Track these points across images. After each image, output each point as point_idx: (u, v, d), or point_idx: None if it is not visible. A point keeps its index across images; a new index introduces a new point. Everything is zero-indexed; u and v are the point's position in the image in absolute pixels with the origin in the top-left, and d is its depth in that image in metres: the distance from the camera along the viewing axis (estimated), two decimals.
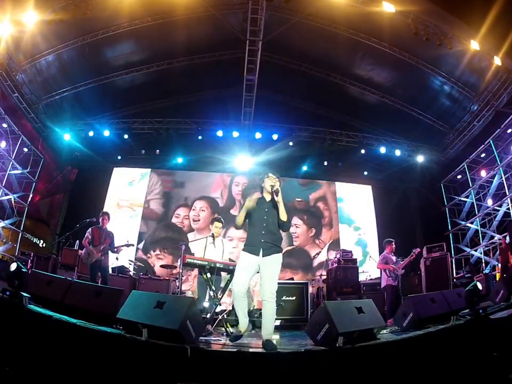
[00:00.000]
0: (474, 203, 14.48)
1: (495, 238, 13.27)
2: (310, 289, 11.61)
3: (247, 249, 5.23)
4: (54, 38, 12.51)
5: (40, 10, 11.10)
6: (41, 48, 12.69)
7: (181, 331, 4.32)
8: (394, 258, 9.68)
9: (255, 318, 9.29)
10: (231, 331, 6.72)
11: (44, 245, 15.83)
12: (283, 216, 5.21)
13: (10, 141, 13.38)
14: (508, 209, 12.87)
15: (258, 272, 5.21)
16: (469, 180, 14.63)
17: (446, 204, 15.88)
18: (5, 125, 13.04)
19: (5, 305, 4.45)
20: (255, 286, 12.34)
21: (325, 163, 16.95)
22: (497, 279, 11.51)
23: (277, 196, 5.16)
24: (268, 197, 5.43)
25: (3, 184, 13.15)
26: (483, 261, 13.69)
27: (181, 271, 8.35)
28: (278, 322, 8.90)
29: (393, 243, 9.92)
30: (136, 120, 15.65)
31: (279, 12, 12.73)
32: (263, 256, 5.11)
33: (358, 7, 11.79)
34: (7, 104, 12.91)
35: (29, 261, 11.74)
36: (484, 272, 12.78)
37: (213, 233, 7.98)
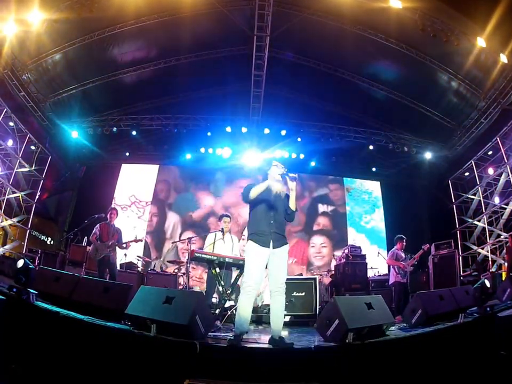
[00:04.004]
0: (482, 201, 14.37)
1: (502, 237, 13.20)
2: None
3: (256, 239, 4.99)
4: (59, 36, 12.52)
5: (45, 9, 11.09)
6: (47, 47, 12.68)
7: (190, 326, 4.32)
8: (403, 255, 9.68)
9: (264, 313, 9.29)
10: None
11: (52, 243, 15.91)
12: (293, 205, 5.10)
13: (17, 139, 13.41)
14: None
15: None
16: (476, 178, 14.52)
17: (453, 201, 15.79)
18: (11, 124, 13.08)
19: (12, 302, 4.45)
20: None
21: (333, 159, 16.92)
22: (504, 277, 11.45)
23: (293, 181, 5.00)
24: (274, 186, 5.26)
25: (10, 182, 13.20)
26: (490, 259, 13.61)
27: (188, 265, 8.37)
28: (287, 319, 8.87)
29: (404, 240, 9.92)
30: (144, 117, 15.61)
31: (286, 8, 12.71)
32: (273, 248, 4.94)
33: (365, 3, 11.77)
34: (13, 103, 12.92)
35: (37, 258, 11.80)
36: (490, 270, 12.73)
37: (222, 228, 8.03)
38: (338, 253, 14.01)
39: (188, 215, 16.96)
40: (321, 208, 17.69)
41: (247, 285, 4.86)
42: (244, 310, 4.85)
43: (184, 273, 11.20)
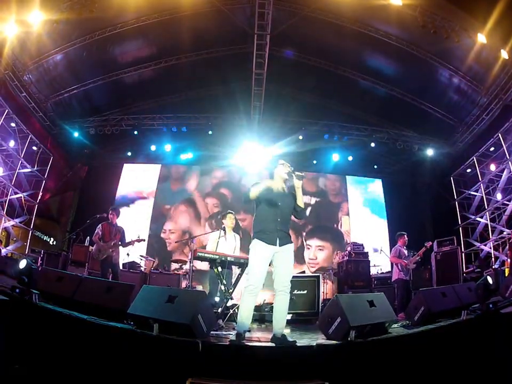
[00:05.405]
0: (484, 197, 14.29)
1: (504, 233, 13.16)
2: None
3: (262, 237, 4.96)
4: (60, 37, 12.55)
5: (46, 9, 11.11)
6: (48, 47, 12.70)
7: (192, 325, 4.32)
8: (406, 252, 9.68)
9: (265, 312, 9.28)
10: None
11: (54, 243, 15.89)
12: (301, 203, 5.14)
13: (19, 140, 13.43)
14: None
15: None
16: (478, 174, 14.45)
17: (455, 197, 15.75)
18: (13, 124, 13.09)
19: (15, 303, 4.45)
20: None
21: (335, 156, 16.89)
22: (506, 274, 11.42)
23: (301, 180, 5.04)
24: (280, 184, 5.29)
25: (12, 183, 13.21)
26: (492, 256, 13.56)
27: (191, 265, 8.34)
28: (289, 317, 8.86)
29: (405, 236, 9.95)
30: (145, 116, 15.60)
31: (286, 6, 12.71)
32: (279, 246, 4.92)
33: (365, 0, 11.76)
34: (15, 104, 12.94)
35: (39, 258, 11.81)
36: (493, 266, 12.69)
37: (224, 227, 8.01)
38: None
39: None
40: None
41: (249, 283, 4.86)
42: (246, 309, 4.86)
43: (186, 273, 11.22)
